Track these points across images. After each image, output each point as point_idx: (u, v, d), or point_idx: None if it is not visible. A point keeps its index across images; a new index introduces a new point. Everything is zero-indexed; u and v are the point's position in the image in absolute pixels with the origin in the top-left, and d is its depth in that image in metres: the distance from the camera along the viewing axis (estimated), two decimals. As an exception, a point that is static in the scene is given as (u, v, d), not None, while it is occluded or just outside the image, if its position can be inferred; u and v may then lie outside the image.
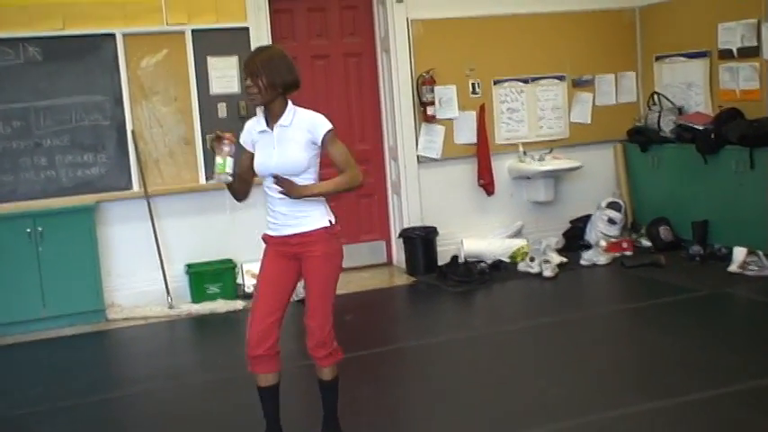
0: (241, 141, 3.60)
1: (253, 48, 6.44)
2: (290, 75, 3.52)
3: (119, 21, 6.30)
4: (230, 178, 3.46)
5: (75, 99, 6.27)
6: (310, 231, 3.54)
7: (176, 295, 6.43)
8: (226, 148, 3.42)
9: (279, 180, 3.46)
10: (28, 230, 6.02)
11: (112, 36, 6.30)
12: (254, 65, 3.47)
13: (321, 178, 3.62)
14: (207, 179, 6.42)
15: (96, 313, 6.23)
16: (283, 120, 3.51)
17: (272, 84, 3.45)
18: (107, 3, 6.28)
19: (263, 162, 3.52)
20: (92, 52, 6.28)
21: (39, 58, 6.18)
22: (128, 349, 5.86)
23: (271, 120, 3.53)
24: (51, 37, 6.18)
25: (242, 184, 3.62)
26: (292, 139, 3.50)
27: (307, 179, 3.54)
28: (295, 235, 3.54)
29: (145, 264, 6.41)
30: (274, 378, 3.66)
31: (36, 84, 6.18)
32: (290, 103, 3.54)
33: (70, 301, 6.14)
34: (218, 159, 3.43)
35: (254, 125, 3.60)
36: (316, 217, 3.56)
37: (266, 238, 3.65)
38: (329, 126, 3.56)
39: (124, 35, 6.33)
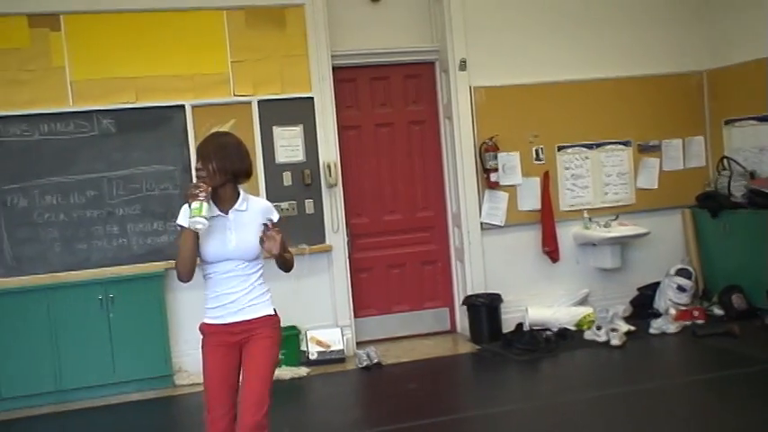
0: (179, 222, 3.48)
1: (317, 116, 6.71)
2: (242, 163, 3.54)
3: (188, 93, 6.52)
4: (206, 223, 3.34)
5: (146, 169, 6.46)
6: (256, 318, 3.55)
7: (241, 362, 6.46)
8: (202, 195, 3.36)
9: (273, 229, 3.45)
10: (99, 297, 6.17)
11: (182, 108, 6.51)
12: (206, 149, 3.51)
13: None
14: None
15: (164, 379, 6.31)
16: (239, 205, 3.54)
17: (223, 169, 3.47)
18: (177, 76, 6.50)
19: (218, 246, 3.48)
20: (162, 123, 6.49)
21: (112, 130, 6.41)
22: (193, 415, 5.85)
23: (219, 204, 3.52)
24: (124, 109, 6.41)
25: (191, 262, 3.47)
26: (249, 223, 3.53)
27: (258, 264, 3.58)
28: (241, 322, 3.53)
29: (211, 330, 6.48)
30: None
31: (109, 155, 6.39)
32: (240, 190, 3.57)
33: (139, 367, 6.24)
34: (195, 204, 3.35)
35: None
36: (264, 304, 3.59)
37: (205, 329, 3.59)
38: (278, 215, 3.64)
39: (193, 107, 6.53)
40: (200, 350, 3.62)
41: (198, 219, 3.33)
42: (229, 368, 3.56)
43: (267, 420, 3.50)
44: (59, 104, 6.29)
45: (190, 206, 3.37)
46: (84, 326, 6.14)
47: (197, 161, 3.53)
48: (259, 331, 3.55)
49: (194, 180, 3.53)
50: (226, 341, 3.53)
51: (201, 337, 3.62)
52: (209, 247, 3.48)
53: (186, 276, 3.50)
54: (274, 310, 3.62)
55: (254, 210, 3.57)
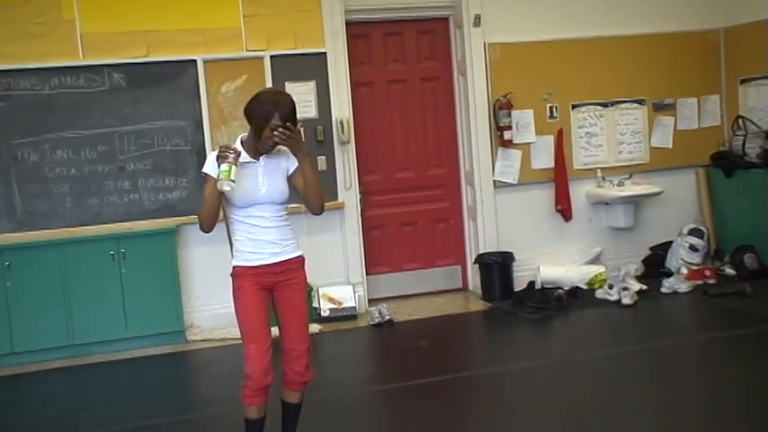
0: (206, 171, 3.57)
1: (329, 72, 6.63)
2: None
3: (200, 47, 6.45)
4: (234, 185, 3.41)
5: (157, 124, 6.42)
6: (294, 258, 3.67)
7: (253, 318, 6.48)
8: (231, 157, 3.42)
9: (289, 129, 3.45)
10: (111, 252, 6.17)
11: (194, 62, 6.44)
12: (292, 111, 3.51)
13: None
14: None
15: (176, 334, 6.34)
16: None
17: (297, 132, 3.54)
18: (189, 30, 6.43)
19: (251, 192, 3.55)
20: (173, 78, 6.43)
21: (123, 85, 6.35)
22: (205, 371, 5.93)
23: (251, 152, 3.57)
24: (135, 63, 6.35)
25: (215, 213, 3.57)
26: (277, 169, 3.61)
27: (286, 207, 3.67)
28: (281, 262, 3.63)
29: (223, 286, 6.39)
30: (264, 410, 3.67)
31: (120, 109, 6.35)
32: None
33: (151, 322, 6.27)
34: (224, 166, 3.41)
35: None
36: (296, 245, 3.71)
37: (243, 271, 3.62)
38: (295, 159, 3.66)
39: (205, 61, 6.46)
40: (233, 292, 3.64)
41: (226, 181, 3.40)
42: (266, 307, 3.64)
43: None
44: (70, 58, 6.24)
45: (219, 166, 3.42)
46: (96, 281, 6.15)
47: (271, 129, 3.46)
48: (295, 275, 3.67)
49: (270, 140, 3.49)
50: (261, 282, 3.60)
51: (234, 279, 3.64)
52: (242, 194, 3.53)
53: (209, 226, 3.57)
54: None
55: (281, 156, 3.64)
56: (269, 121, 3.47)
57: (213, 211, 3.54)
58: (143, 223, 6.38)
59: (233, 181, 3.41)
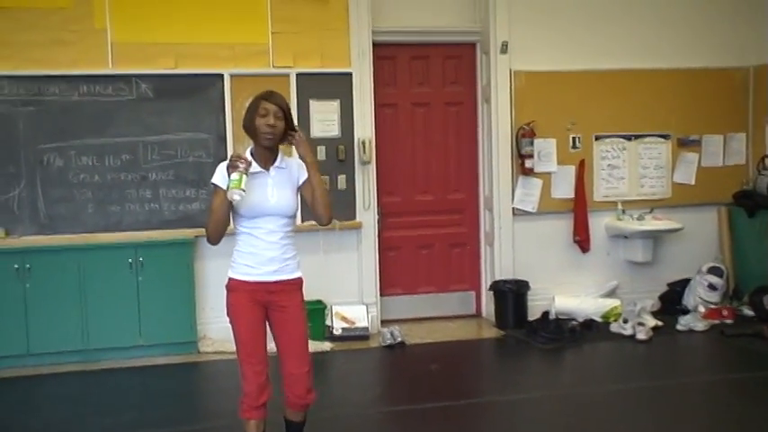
0: (215, 182, 3.52)
1: (354, 92, 6.68)
2: (295, 126, 3.63)
3: (227, 62, 6.52)
4: (244, 194, 3.36)
5: (181, 135, 6.49)
6: (293, 279, 3.61)
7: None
8: (241, 166, 3.38)
9: (300, 137, 3.51)
10: (130, 260, 6.22)
11: (220, 76, 6.51)
12: (286, 106, 3.53)
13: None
14: (303, 220, 6.52)
15: (189, 345, 6.37)
16: (279, 162, 3.57)
17: (289, 128, 3.55)
18: (217, 44, 6.51)
19: (260, 203, 3.50)
20: (200, 91, 6.51)
21: (150, 95, 6.44)
22: (215, 383, 5.95)
23: (261, 162, 3.53)
24: (163, 75, 6.43)
25: (224, 225, 3.51)
26: (288, 181, 3.57)
27: (292, 224, 3.62)
28: (279, 282, 3.56)
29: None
30: (263, 425, 3.65)
31: (146, 119, 6.43)
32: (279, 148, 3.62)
33: (164, 332, 6.30)
34: (234, 175, 3.36)
35: None
36: (296, 264, 3.64)
37: (238, 285, 3.57)
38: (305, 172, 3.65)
39: (232, 76, 6.52)
40: (227, 306, 3.61)
41: (236, 191, 3.36)
42: (261, 323, 3.60)
43: (312, 373, 3.66)
44: (99, 67, 6.33)
45: (229, 176, 3.38)
46: (113, 287, 6.19)
47: (263, 115, 3.48)
48: (291, 296, 3.61)
49: (264, 127, 3.48)
50: (257, 298, 3.56)
51: (228, 292, 3.61)
52: (251, 204, 3.48)
53: (216, 239, 3.53)
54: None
55: (291, 168, 3.62)
56: (258, 109, 3.49)
57: (222, 223, 3.49)
58: (162, 233, 6.44)
59: (243, 191, 3.36)
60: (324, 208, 3.61)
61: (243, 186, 3.36)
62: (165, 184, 6.49)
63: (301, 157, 3.58)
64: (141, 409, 5.12)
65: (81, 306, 6.15)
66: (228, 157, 3.62)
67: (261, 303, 3.57)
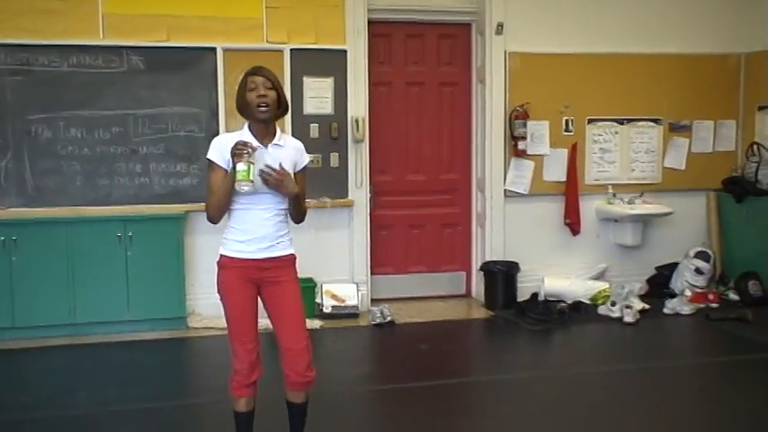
0: (212, 158, 3.49)
1: (348, 70, 6.63)
2: (287, 99, 3.60)
3: (220, 36, 6.45)
4: (252, 185, 3.34)
5: (173, 109, 6.43)
6: (285, 256, 3.57)
7: (255, 310, 6.48)
8: (246, 155, 3.31)
9: (275, 171, 3.39)
10: (118, 234, 6.16)
11: (213, 50, 6.44)
12: (273, 77, 3.49)
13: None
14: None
15: (177, 320, 6.34)
16: (278, 140, 3.53)
17: (283, 102, 3.52)
18: (211, 18, 6.43)
19: (257, 181, 3.43)
20: (192, 65, 6.43)
21: (141, 68, 6.36)
22: (203, 358, 5.93)
23: (259, 138, 3.48)
24: (155, 47, 6.35)
25: (226, 203, 3.47)
26: (286, 158, 3.51)
27: (286, 201, 3.54)
28: (270, 259, 3.52)
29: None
30: (253, 403, 3.64)
31: (137, 92, 6.36)
32: (277, 126, 3.58)
33: (153, 307, 6.27)
34: (242, 166, 3.30)
35: (233, 143, 3.42)
36: (289, 242, 3.61)
37: (229, 262, 3.52)
38: (309, 157, 3.65)
39: (224, 50, 6.46)
40: (218, 284, 3.57)
41: (245, 182, 3.32)
42: (253, 301, 3.56)
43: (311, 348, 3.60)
44: (90, 37, 6.24)
45: (235, 165, 3.33)
46: (102, 262, 6.14)
47: (252, 89, 3.44)
48: (284, 272, 3.56)
49: (256, 99, 3.43)
50: (248, 276, 3.51)
51: (219, 270, 3.57)
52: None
53: (219, 218, 3.51)
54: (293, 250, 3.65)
55: (290, 146, 3.59)
56: (247, 84, 3.46)
57: (225, 202, 3.45)
58: (152, 207, 6.39)
59: (251, 181, 3.32)
60: (299, 216, 3.63)
61: (251, 177, 3.32)
62: (156, 158, 6.42)
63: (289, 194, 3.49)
64: (129, 385, 5.10)
65: (68, 280, 6.10)
66: (219, 137, 3.60)
67: (253, 281, 3.53)
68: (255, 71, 3.50)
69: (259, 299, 3.60)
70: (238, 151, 3.32)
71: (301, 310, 3.62)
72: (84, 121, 6.28)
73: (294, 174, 3.55)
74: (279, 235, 3.55)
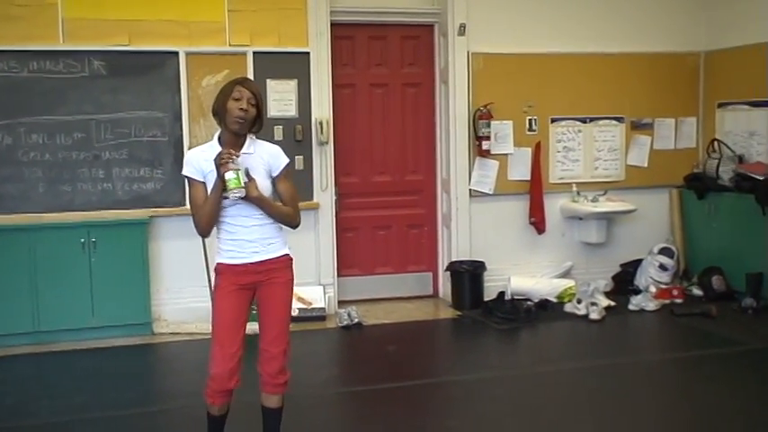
0: (188, 174, 3.50)
1: (312, 72, 6.63)
2: (263, 120, 3.61)
3: (183, 40, 6.41)
4: (244, 191, 3.37)
5: (135, 114, 6.37)
6: (278, 257, 3.58)
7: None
8: (232, 164, 3.33)
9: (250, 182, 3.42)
10: (82, 240, 6.11)
11: (176, 54, 6.40)
12: (260, 96, 3.51)
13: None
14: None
15: (143, 326, 6.29)
16: (246, 148, 3.53)
17: (260, 117, 3.53)
18: (172, 21, 6.39)
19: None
20: (154, 69, 6.39)
21: (103, 72, 6.30)
22: (170, 364, 5.90)
23: (228, 147, 3.46)
24: (116, 52, 6.30)
25: (215, 216, 3.49)
26: (257, 166, 3.52)
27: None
28: (263, 262, 3.55)
29: (193, 281, 6.43)
30: (227, 408, 3.65)
31: (99, 97, 6.30)
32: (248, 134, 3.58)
33: (118, 313, 6.22)
34: (231, 174, 3.33)
35: (205, 155, 3.48)
36: (280, 244, 3.61)
37: (224, 268, 3.56)
38: (287, 160, 3.61)
39: (187, 54, 6.42)
40: (213, 290, 3.63)
41: (236, 190, 3.34)
42: (243, 309, 3.58)
43: (288, 363, 3.62)
44: (50, 42, 6.18)
45: (220, 175, 3.34)
46: (65, 268, 6.09)
47: (237, 100, 3.44)
48: (277, 274, 3.58)
49: (237, 110, 3.43)
50: (241, 281, 3.53)
51: (216, 276, 3.61)
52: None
53: (209, 231, 3.55)
54: (289, 251, 3.66)
55: (261, 153, 3.56)
56: (233, 92, 3.46)
57: (214, 216, 3.47)
58: (115, 213, 6.33)
59: (243, 188, 3.36)
60: (285, 223, 3.62)
61: (242, 183, 3.35)
62: (119, 163, 6.37)
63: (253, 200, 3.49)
64: (94, 392, 5.05)
65: (31, 287, 6.04)
66: (190, 152, 3.61)
67: (247, 287, 3.56)
68: (244, 82, 3.53)
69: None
70: (223, 161, 3.34)
71: (287, 315, 3.65)
72: (45, 127, 6.21)
73: (273, 178, 3.57)
74: (268, 238, 3.56)
